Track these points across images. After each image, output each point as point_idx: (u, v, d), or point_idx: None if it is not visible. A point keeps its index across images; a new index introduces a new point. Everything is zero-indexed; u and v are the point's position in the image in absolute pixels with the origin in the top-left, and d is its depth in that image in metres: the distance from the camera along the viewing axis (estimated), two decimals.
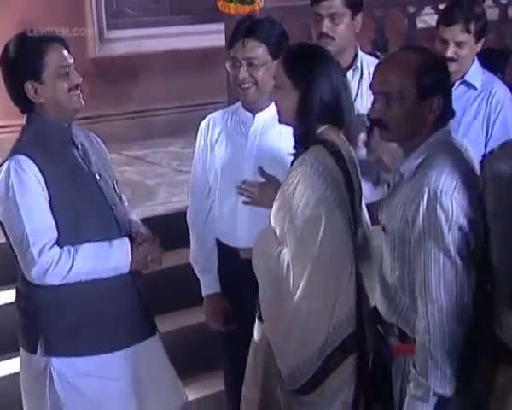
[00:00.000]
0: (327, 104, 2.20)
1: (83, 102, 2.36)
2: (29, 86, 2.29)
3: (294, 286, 2.18)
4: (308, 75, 2.19)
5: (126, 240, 2.37)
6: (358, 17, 2.88)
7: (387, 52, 4.78)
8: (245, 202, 2.53)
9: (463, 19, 2.90)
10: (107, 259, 2.33)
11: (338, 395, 2.21)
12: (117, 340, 2.39)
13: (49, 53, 2.28)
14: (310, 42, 2.51)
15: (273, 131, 2.58)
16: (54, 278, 2.28)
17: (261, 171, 2.48)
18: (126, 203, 2.62)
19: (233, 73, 2.57)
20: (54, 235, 2.28)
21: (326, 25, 2.81)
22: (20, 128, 2.30)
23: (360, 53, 2.94)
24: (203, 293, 2.80)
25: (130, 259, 2.35)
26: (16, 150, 2.31)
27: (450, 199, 1.92)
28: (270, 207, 2.32)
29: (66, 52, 2.32)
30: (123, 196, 2.59)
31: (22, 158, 2.27)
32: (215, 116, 2.74)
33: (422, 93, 2.00)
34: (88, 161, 2.40)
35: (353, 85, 2.81)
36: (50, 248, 2.26)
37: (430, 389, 1.95)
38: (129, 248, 2.36)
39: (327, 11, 2.82)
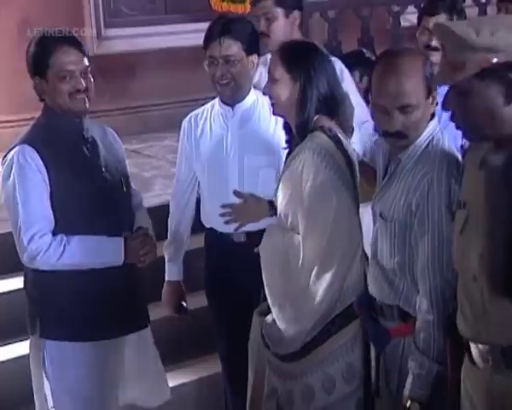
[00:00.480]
0: (324, 95, 2.25)
1: (87, 106, 2.34)
2: (36, 81, 2.32)
3: (305, 264, 2.19)
4: (307, 69, 2.24)
5: (121, 239, 2.35)
6: (295, 13, 2.98)
7: (373, 49, 4.79)
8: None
9: (447, 9, 2.95)
10: (98, 254, 2.32)
11: (337, 357, 2.22)
12: (106, 330, 2.38)
13: (56, 54, 2.27)
14: (303, 39, 2.56)
15: (252, 120, 2.65)
16: (42, 265, 2.30)
17: (237, 193, 2.52)
18: (140, 198, 2.60)
19: (211, 71, 2.60)
20: (47, 224, 2.28)
21: (262, 24, 2.95)
22: (21, 123, 2.31)
23: None
24: (166, 277, 2.83)
25: (123, 257, 2.34)
26: (24, 139, 2.32)
27: (453, 183, 1.94)
28: (256, 220, 2.43)
29: (75, 56, 2.29)
30: (135, 191, 2.58)
31: (27, 148, 2.27)
32: (196, 113, 2.76)
33: (428, 91, 2.01)
34: (96, 155, 2.38)
35: None
36: (41, 236, 2.27)
37: (434, 367, 1.95)
38: (122, 245, 2.34)
39: (261, 12, 2.96)
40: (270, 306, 2.29)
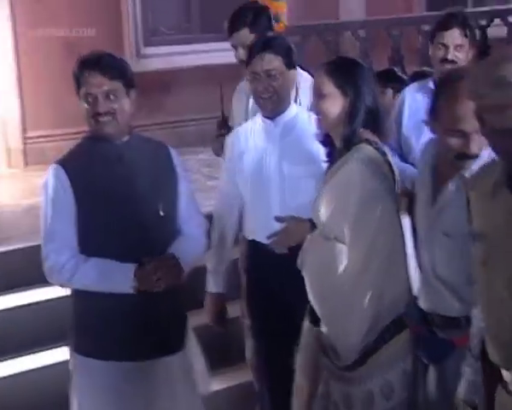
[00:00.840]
0: (370, 108, 2.27)
1: (112, 129, 2.28)
2: (77, 97, 2.33)
3: (347, 272, 2.18)
4: (355, 83, 2.26)
5: (132, 266, 2.25)
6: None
7: (402, 67, 4.76)
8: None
9: (459, 24, 2.98)
10: (108, 279, 2.26)
11: (393, 364, 2.21)
12: (126, 352, 2.31)
13: (84, 76, 2.26)
14: (346, 55, 2.57)
15: (294, 131, 2.66)
16: (56, 281, 2.33)
17: (278, 218, 2.52)
18: (191, 224, 2.43)
19: (253, 87, 2.64)
20: (66, 243, 2.26)
21: (240, 53, 3.07)
22: (64, 137, 2.32)
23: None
24: (210, 289, 2.81)
25: (131, 284, 2.24)
26: (60, 158, 2.33)
27: None
28: (301, 241, 2.40)
29: (98, 79, 2.24)
30: (188, 216, 2.41)
31: (58, 167, 2.28)
32: (239, 129, 2.79)
33: None
34: (129, 178, 2.31)
35: None
36: (58, 254, 2.26)
37: None
38: (132, 272, 2.24)
39: (238, 41, 3.10)
40: (320, 317, 2.29)
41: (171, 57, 5.80)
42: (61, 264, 2.26)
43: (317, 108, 2.31)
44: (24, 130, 5.38)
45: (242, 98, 3.20)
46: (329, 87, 2.26)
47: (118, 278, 2.26)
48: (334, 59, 2.42)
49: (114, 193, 2.29)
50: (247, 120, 3.13)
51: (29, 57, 5.33)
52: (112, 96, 2.26)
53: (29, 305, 3.43)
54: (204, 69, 5.69)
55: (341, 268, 2.19)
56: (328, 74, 2.27)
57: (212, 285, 2.80)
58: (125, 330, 2.30)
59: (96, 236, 2.27)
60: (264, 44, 2.61)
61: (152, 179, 2.35)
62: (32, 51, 5.33)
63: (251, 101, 3.12)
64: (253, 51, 2.62)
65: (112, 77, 2.25)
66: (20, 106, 5.37)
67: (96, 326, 2.32)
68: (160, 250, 2.32)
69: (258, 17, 3.09)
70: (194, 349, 2.51)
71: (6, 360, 3.31)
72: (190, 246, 2.40)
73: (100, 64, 2.26)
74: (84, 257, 2.26)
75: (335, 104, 2.26)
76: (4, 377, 3.21)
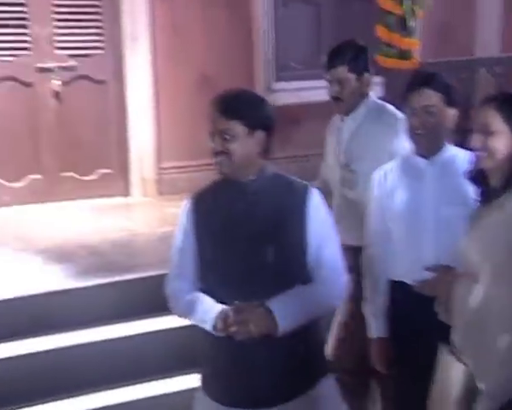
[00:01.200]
0: None
1: (226, 169, 2.20)
2: None
3: (488, 313, 2.06)
4: None
5: (218, 308, 2.16)
6: (366, 76, 3.07)
7: None
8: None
9: None
10: (200, 318, 2.21)
11: None
12: (234, 398, 2.22)
13: (211, 115, 2.22)
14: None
15: (450, 171, 2.56)
16: (171, 308, 2.33)
17: (429, 268, 2.36)
18: (314, 275, 2.22)
19: (409, 122, 2.58)
20: (181, 274, 2.27)
21: (335, 90, 3.07)
22: (196, 168, 2.32)
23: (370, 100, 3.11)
24: (372, 335, 2.71)
25: (210, 326, 2.16)
26: (194, 193, 2.34)
27: None
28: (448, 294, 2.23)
29: (217, 119, 2.18)
30: (308, 264, 2.21)
31: (189, 203, 2.30)
32: (387, 167, 2.71)
33: None
34: (244, 221, 2.20)
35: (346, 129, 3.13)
36: (178, 284, 2.28)
37: None
38: (213, 315, 2.16)
39: (334, 77, 3.05)
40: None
41: (300, 92, 5.85)
42: (173, 292, 2.30)
43: (483, 145, 2.17)
44: (159, 161, 5.60)
45: (334, 133, 3.25)
46: (499, 124, 2.15)
47: (205, 317, 2.19)
48: (500, 94, 2.28)
49: (226, 233, 2.22)
50: (337, 154, 3.16)
51: (166, 92, 5.55)
52: (227, 136, 2.18)
53: (162, 331, 3.53)
54: (330, 104, 5.67)
55: (477, 305, 2.07)
56: (497, 110, 2.16)
57: (374, 330, 2.71)
58: (232, 376, 2.21)
59: (210, 275, 2.24)
60: (424, 80, 2.55)
61: (270, 222, 2.19)
62: (169, 86, 5.55)
63: (344, 137, 3.14)
64: (412, 86, 2.57)
65: (230, 117, 2.17)
66: (157, 138, 5.60)
67: (209, 366, 2.29)
68: (261, 297, 2.14)
69: (357, 56, 3.06)
70: (330, 394, 2.35)
71: (142, 382, 3.43)
72: (306, 298, 2.19)
73: (222, 104, 2.20)
74: (198, 293, 2.25)
75: (505, 142, 2.14)
76: (133, 401, 3.34)
